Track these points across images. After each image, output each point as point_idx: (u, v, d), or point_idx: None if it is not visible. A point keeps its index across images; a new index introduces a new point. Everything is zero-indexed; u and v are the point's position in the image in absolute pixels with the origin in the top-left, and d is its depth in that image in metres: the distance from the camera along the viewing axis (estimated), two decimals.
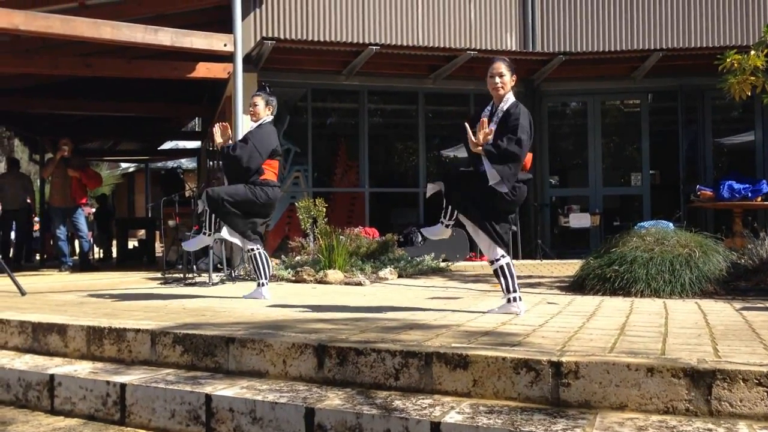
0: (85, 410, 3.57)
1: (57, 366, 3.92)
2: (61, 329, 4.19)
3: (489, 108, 4.50)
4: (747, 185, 8.79)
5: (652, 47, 10.60)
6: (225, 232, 5.78)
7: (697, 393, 2.72)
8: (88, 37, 7.83)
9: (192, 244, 5.99)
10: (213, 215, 5.63)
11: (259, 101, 5.74)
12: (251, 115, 5.79)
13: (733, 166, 11.32)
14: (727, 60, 6.08)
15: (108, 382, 3.51)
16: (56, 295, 6.13)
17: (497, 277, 4.47)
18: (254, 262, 5.75)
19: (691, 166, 11.21)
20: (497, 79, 4.41)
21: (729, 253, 6.06)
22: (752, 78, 6.05)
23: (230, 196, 5.56)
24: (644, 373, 2.80)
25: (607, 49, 10.85)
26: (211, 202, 5.54)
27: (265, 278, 5.71)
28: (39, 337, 4.27)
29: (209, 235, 5.77)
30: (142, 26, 8.02)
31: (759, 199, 8.76)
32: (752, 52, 6.01)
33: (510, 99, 4.43)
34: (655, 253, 5.73)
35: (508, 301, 4.45)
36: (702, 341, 3.40)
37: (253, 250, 5.72)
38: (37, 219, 13.80)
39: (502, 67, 4.43)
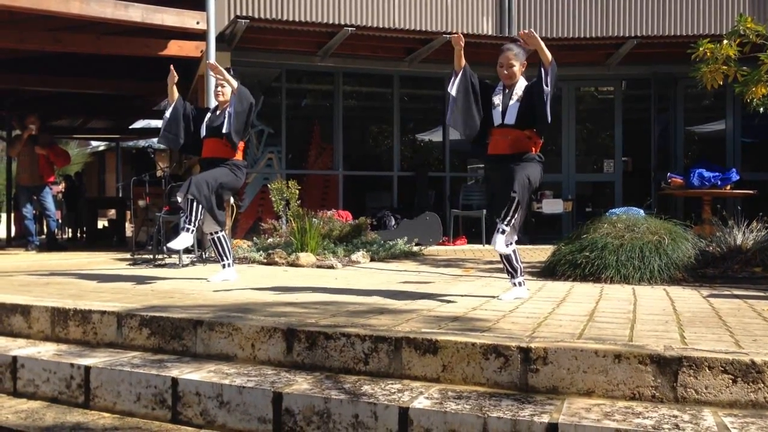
0: (48, 393, 3.51)
1: (20, 348, 3.85)
2: (24, 310, 4.11)
3: (500, 87, 4.52)
4: (717, 173, 8.88)
5: (627, 34, 10.63)
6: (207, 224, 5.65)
7: (663, 380, 2.75)
8: (55, 11, 7.64)
9: (179, 244, 5.44)
10: (198, 206, 5.33)
11: (226, 84, 5.65)
12: (218, 96, 5.70)
13: (703, 154, 11.44)
14: (700, 49, 6.09)
15: (72, 365, 3.46)
16: (22, 275, 6.01)
17: (507, 263, 4.58)
18: (219, 244, 5.71)
19: (662, 153, 11.31)
20: (506, 71, 4.45)
21: (698, 241, 6.12)
22: (724, 67, 6.08)
23: (217, 181, 5.46)
24: (611, 359, 2.82)
25: (582, 36, 10.86)
26: (200, 192, 5.32)
27: (231, 258, 5.74)
28: (2, 317, 4.18)
29: (194, 230, 5.41)
30: (112, 1, 7.83)
31: (728, 187, 8.85)
32: (725, 42, 6.04)
33: (523, 80, 4.47)
34: (625, 240, 5.78)
35: (518, 285, 4.64)
36: (669, 328, 3.43)
37: (217, 232, 5.69)
38: None
39: (511, 58, 4.43)
